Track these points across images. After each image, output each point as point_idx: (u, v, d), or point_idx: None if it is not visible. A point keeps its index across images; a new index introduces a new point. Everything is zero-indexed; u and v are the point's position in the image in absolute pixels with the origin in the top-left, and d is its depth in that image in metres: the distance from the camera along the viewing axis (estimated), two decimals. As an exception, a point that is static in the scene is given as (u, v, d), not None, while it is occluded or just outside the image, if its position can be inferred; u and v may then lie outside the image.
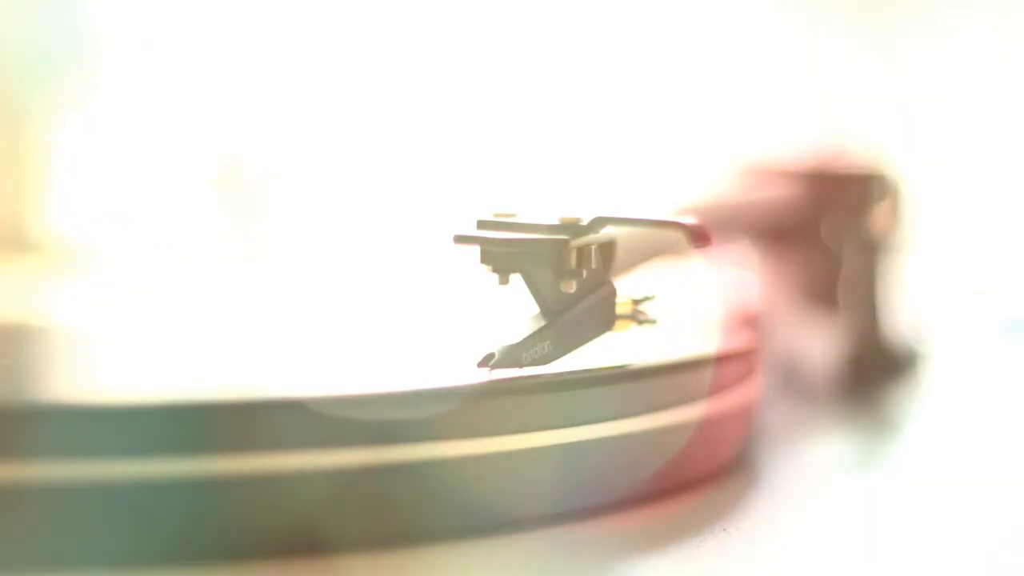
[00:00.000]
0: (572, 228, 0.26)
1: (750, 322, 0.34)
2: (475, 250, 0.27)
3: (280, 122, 0.66)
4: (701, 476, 0.29)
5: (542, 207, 0.27)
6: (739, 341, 0.31)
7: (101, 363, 0.30)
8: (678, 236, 0.26)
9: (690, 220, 0.26)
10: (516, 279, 0.26)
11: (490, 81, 0.67)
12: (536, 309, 0.27)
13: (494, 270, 0.26)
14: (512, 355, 0.26)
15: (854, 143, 0.46)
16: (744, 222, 0.40)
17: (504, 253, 0.26)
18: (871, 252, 0.42)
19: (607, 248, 0.27)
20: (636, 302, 0.28)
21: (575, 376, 0.26)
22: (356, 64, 0.66)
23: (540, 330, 0.26)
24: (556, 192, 0.62)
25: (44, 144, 0.63)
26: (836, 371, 0.41)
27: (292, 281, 0.48)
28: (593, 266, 0.27)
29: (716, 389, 0.29)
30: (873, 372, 0.41)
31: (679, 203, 0.35)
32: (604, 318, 0.27)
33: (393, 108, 0.67)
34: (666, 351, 0.29)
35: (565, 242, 0.26)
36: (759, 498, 0.29)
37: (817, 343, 0.41)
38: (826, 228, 0.42)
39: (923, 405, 0.40)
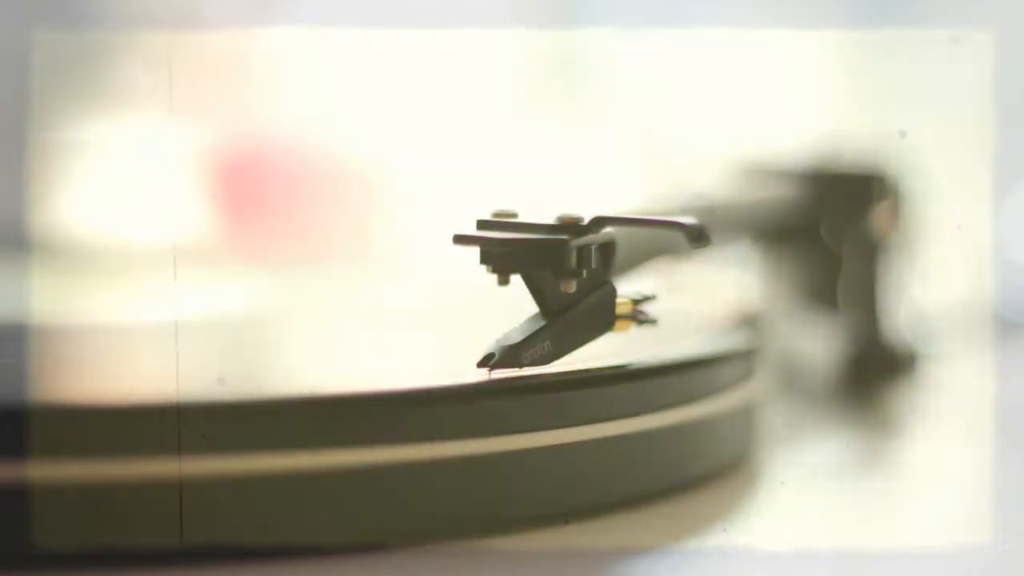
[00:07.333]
0: (572, 228, 0.26)
1: (750, 322, 0.34)
2: (475, 250, 0.26)
3: (284, 120, 0.66)
4: (701, 476, 0.29)
5: (542, 207, 0.27)
6: (739, 341, 0.31)
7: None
8: (678, 236, 0.26)
9: (690, 220, 0.26)
10: (516, 279, 0.26)
11: (491, 80, 0.67)
12: (536, 309, 0.27)
13: (494, 270, 0.26)
14: (512, 355, 0.26)
15: (854, 143, 0.46)
16: (744, 222, 0.40)
17: (504, 253, 0.26)
18: (871, 252, 0.42)
19: (607, 248, 0.27)
20: (636, 302, 0.28)
21: (575, 376, 0.26)
22: (357, 62, 0.66)
23: (540, 330, 0.26)
24: (556, 192, 0.62)
25: (45, 143, 0.63)
26: (836, 371, 0.41)
27: (291, 281, 0.48)
28: (593, 266, 0.27)
29: (716, 389, 0.29)
30: (873, 372, 0.41)
31: (679, 203, 0.35)
32: (604, 318, 0.27)
33: (394, 107, 0.67)
34: (666, 351, 0.29)
35: (565, 242, 0.26)
36: (759, 498, 0.29)
37: (817, 343, 0.41)
38: (826, 228, 0.42)
39: (923, 405, 0.40)
